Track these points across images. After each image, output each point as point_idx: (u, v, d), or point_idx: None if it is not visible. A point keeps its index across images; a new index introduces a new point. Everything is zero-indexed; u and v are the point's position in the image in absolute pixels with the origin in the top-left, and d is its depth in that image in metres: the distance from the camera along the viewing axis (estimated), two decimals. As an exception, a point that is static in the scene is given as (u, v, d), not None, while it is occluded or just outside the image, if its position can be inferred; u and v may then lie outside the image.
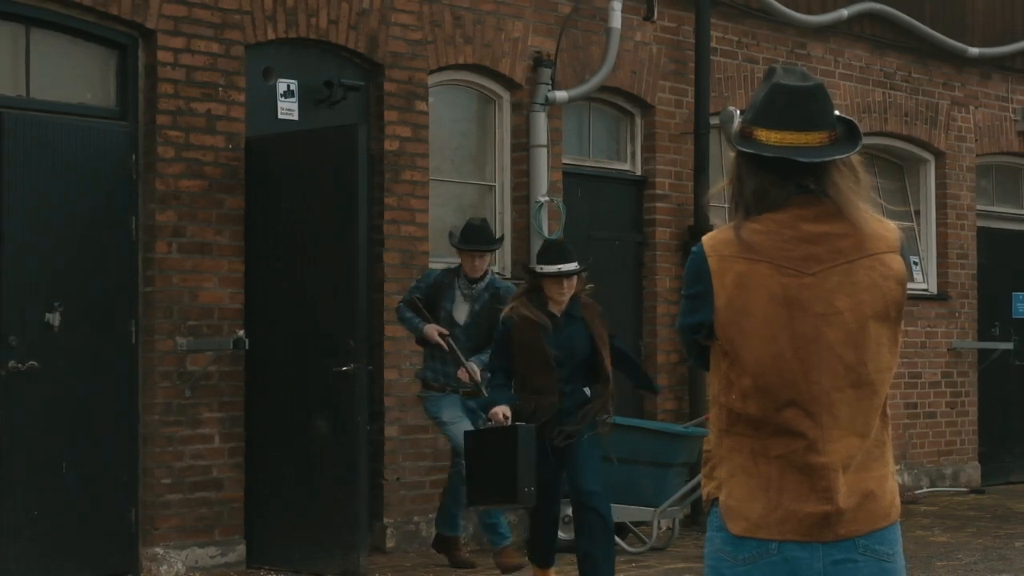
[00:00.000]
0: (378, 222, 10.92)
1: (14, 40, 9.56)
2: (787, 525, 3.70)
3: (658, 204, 12.78)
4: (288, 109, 10.69)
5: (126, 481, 9.81)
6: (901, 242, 3.81)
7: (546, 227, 11.73)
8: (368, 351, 10.03)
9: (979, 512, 13.78)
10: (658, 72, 12.79)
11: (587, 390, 8.78)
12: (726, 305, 3.73)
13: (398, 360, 10.97)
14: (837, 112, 3.80)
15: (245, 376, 10.22)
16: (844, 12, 14.16)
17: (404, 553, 10.83)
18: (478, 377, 9.73)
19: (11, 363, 9.30)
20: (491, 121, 11.93)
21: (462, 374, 9.87)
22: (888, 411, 3.83)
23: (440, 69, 11.43)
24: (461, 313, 10.11)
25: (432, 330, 9.94)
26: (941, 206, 15.48)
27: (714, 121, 12.85)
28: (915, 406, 15.01)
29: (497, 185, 11.91)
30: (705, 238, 3.83)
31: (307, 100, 10.78)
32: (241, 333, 10.01)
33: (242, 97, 10.30)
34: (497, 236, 10.75)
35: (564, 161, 12.18)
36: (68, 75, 9.79)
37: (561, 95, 11.90)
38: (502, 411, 8.68)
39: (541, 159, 11.81)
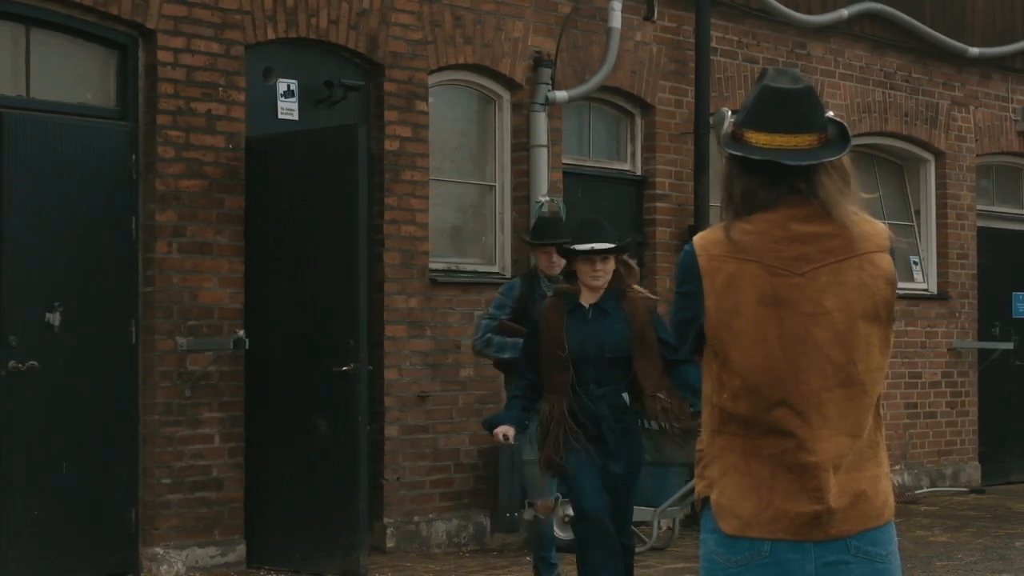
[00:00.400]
0: (378, 222, 10.91)
1: (14, 40, 9.56)
2: (778, 524, 3.71)
3: (658, 204, 12.78)
4: (288, 109, 10.69)
5: (126, 481, 9.81)
6: (891, 242, 3.83)
7: (546, 227, 11.72)
8: (368, 351, 10.03)
9: (979, 512, 13.77)
10: (658, 72, 12.79)
11: (625, 395, 7.69)
12: (715, 305, 3.74)
13: (398, 360, 10.97)
14: (831, 114, 3.82)
15: (245, 376, 10.22)
16: (844, 12, 14.16)
17: (404, 553, 10.83)
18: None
19: (11, 363, 9.30)
20: (491, 121, 11.93)
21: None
22: (881, 411, 3.85)
23: (440, 69, 11.43)
24: None
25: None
26: (941, 206, 15.48)
27: (715, 122, 12.85)
28: (915, 406, 15.00)
29: (497, 185, 11.90)
30: (696, 237, 3.85)
31: (307, 100, 10.77)
32: (241, 333, 10.01)
33: (242, 97, 10.30)
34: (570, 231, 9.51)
35: (564, 161, 12.18)
36: (68, 75, 9.79)
37: (561, 95, 11.90)
38: (502, 432, 7.72)
39: (541, 159, 11.81)
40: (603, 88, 12.34)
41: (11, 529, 9.26)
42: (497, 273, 11.71)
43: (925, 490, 14.91)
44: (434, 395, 11.14)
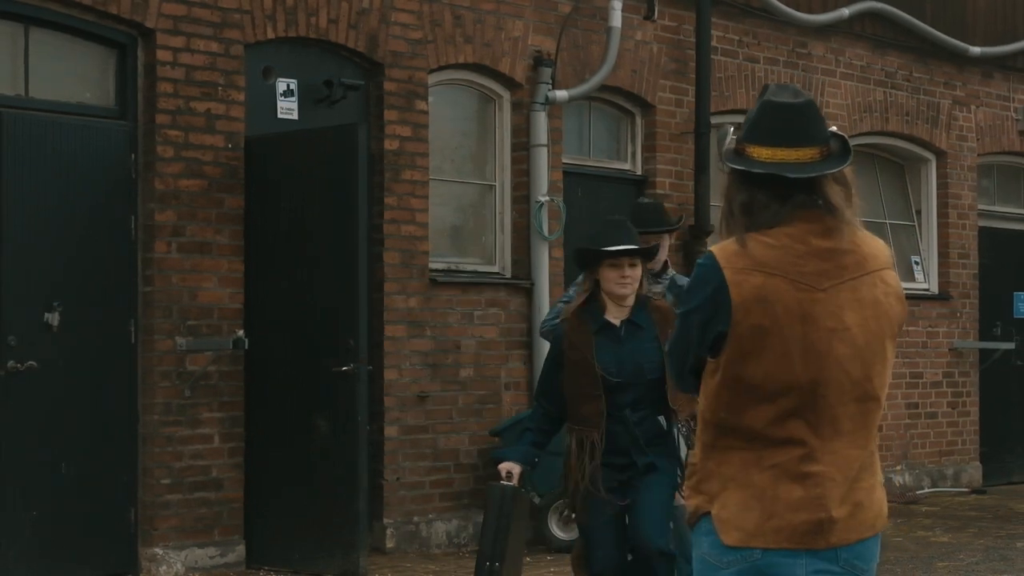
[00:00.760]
0: (378, 222, 10.90)
1: (13, 39, 9.55)
2: (782, 534, 3.74)
3: (659, 204, 12.77)
4: (288, 108, 10.67)
5: (126, 481, 9.80)
6: (892, 258, 3.92)
7: (546, 227, 11.72)
8: (368, 351, 10.01)
9: (980, 512, 13.76)
10: (658, 71, 12.78)
11: (662, 419, 6.91)
12: (744, 319, 3.74)
13: (398, 360, 10.96)
14: (833, 128, 3.87)
15: (245, 376, 10.20)
16: (845, 11, 14.15)
17: (404, 553, 10.82)
18: None
19: (10, 363, 9.28)
20: (491, 121, 11.91)
21: None
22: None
23: (440, 68, 11.42)
24: None
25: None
26: (942, 206, 15.47)
27: (715, 122, 12.85)
28: (916, 406, 14.99)
29: (497, 185, 11.89)
30: (714, 249, 3.85)
31: (307, 99, 10.76)
32: (241, 333, 10.00)
33: (242, 96, 10.29)
34: (676, 218, 8.74)
35: (564, 161, 12.16)
36: (67, 74, 9.78)
37: (561, 94, 11.89)
38: (507, 468, 6.98)
39: (541, 159, 11.79)
40: (603, 87, 12.33)
41: (11, 529, 9.25)
42: (497, 273, 11.71)
43: (926, 490, 14.89)
44: (434, 395, 11.12)
